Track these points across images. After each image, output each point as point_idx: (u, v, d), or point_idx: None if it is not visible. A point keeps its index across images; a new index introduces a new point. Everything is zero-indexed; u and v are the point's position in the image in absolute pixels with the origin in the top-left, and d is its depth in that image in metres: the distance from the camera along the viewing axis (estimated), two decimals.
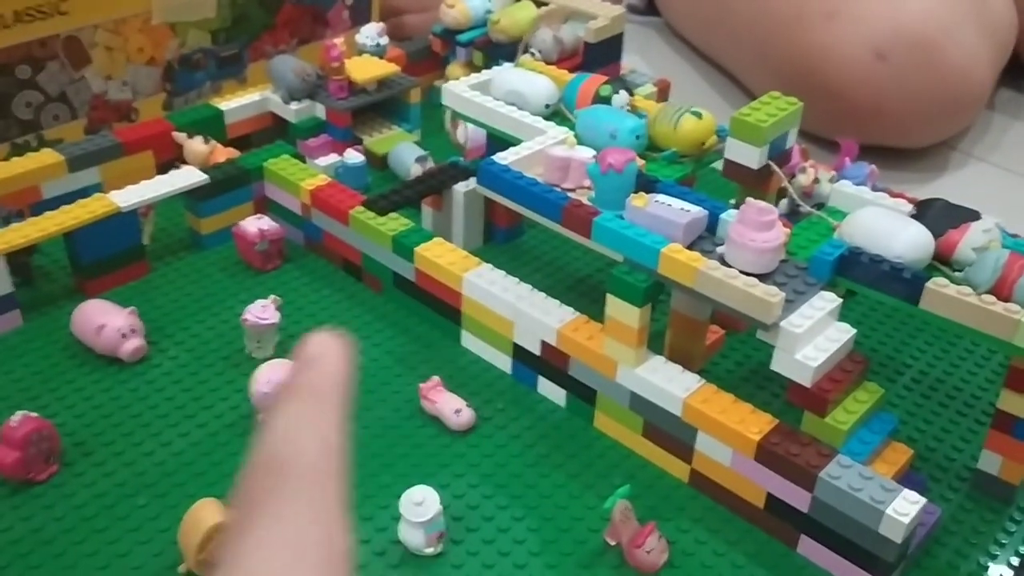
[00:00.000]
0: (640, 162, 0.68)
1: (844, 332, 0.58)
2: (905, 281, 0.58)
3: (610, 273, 0.61)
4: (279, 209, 0.84)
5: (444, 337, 0.74)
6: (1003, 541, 0.60)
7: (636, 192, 0.65)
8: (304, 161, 0.87)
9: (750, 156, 0.66)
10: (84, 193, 0.79)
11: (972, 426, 0.68)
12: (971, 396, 0.71)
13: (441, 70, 1.04)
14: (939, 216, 0.61)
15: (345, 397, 0.28)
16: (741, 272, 0.58)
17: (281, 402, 0.28)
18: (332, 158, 0.90)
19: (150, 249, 0.81)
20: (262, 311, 0.70)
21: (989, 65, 1.02)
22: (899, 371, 0.74)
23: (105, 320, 0.69)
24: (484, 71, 0.85)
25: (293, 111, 0.92)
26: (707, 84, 1.23)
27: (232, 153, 0.86)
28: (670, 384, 0.61)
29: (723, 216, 0.63)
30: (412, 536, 0.56)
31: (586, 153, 0.69)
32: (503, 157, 0.71)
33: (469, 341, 0.73)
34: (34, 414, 0.61)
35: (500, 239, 0.85)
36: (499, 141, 0.78)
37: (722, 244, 0.61)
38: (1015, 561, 0.58)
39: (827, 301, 0.58)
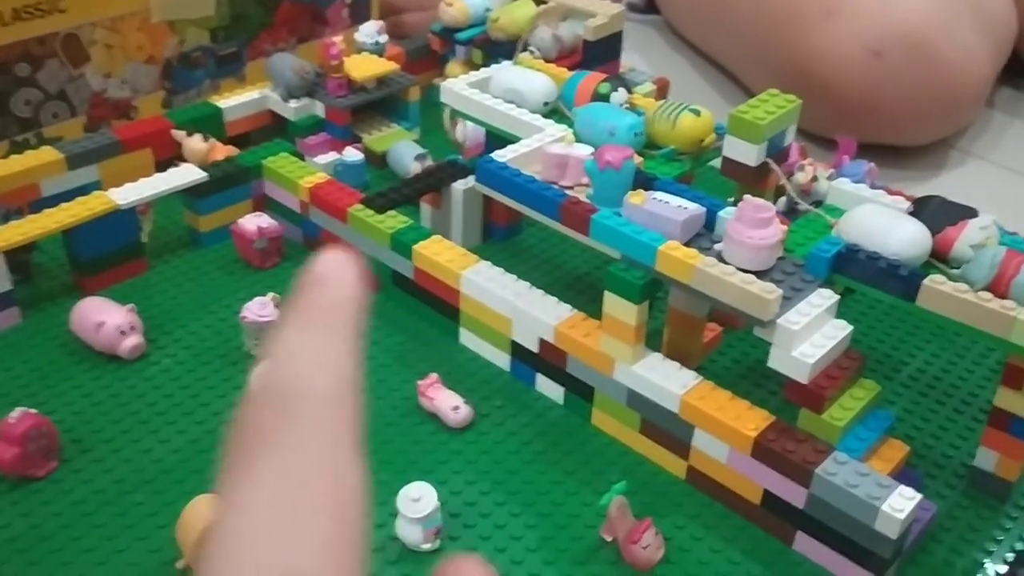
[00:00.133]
0: (638, 159, 0.68)
1: (841, 329, 0.58)
2: (902, 278, 0.58)
3: (607, 270, 0.61)
4: (278, 207, 0.84)
5: (442, 334, 0.74)
6: (999, 538, 0.60)
7: (634, 189, 0.65)
8: (303, 159, 0.87)
9: (748, 153, 0.66)
10: (83, 191, 0.79)
11: (969, 423, 0.69)
12: (968, 393, 0.71)
13: (440, 68, 1.04)
14: (936, 213, 0.61)
15: (357, 321, 0.25)
16: (738, 269, 0.58)
17: (285, 327, 0.24)
18: (331, 156, 0.90)
19: (149, 247, 0.81)
20: (261, 309, 0.70)
21: (987, 63, 1.02)
22: (897, 368, 0.74)
23: (104, 317, 0.69)
24: (483, 69, 0.85)
25: (292, 109, 0.92)
26: (706, 82, 1.23)
27: (231, 151, 0.86)
28: (667, 381, 0.61)
29: (721, 213, 0.63)
30: (409, 532, 0.56)
31: (584, 150, 0.69)
32: (501, 155, 0.71)
33: (467, 338, 0.73)
34: (33, 411, 0.61)
35: (499, 237, 0.85)
36: (497, 139, 0.78)
37: (720, 241, 0.61)
38: (1010, 557, 0.59)
39: (824, 298, 0.59)
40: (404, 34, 1.15)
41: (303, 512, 0.21)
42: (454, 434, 0.65)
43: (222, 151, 0.85)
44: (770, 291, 0.56)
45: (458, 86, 0.81)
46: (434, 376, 0.67)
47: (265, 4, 1.02)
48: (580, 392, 0.66)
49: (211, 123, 0.89)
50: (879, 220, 0.61)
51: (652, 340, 0.64)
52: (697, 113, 0.72)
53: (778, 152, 0.68)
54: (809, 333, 0.57)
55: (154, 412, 0.66)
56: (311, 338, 0.24)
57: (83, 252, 0.76)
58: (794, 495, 0.57)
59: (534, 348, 0.68)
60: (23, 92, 0.87)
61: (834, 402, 0.58)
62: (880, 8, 0.98)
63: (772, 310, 0.56)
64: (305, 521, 0.21)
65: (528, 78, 0.80)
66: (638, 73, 1.01)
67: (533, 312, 0.67)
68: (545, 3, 0.98)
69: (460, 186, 0.80)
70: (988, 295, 0.55)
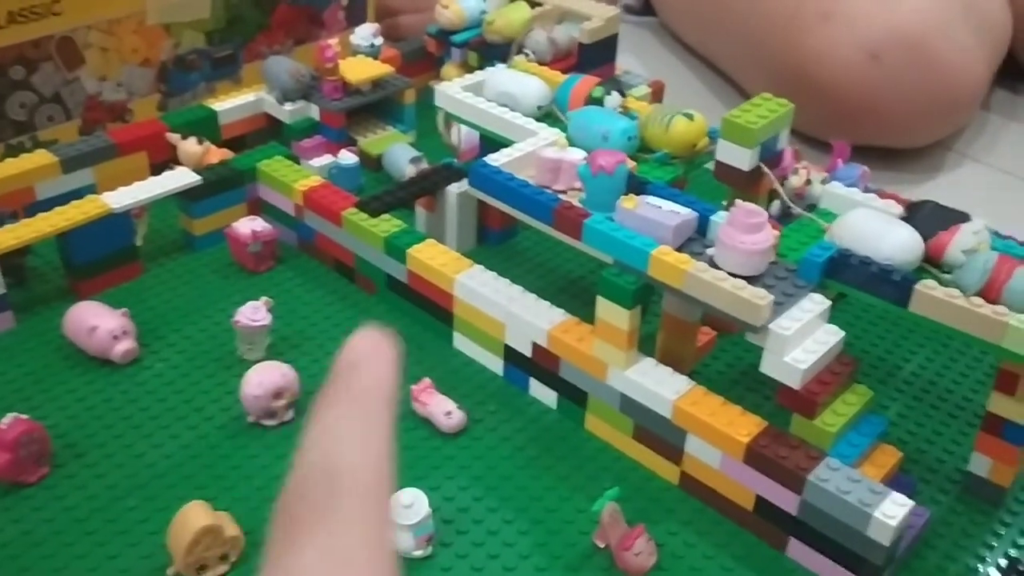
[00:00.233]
0: (631, 164, 0.68)
1: (833, 335, 0.58)
2: (894, 283, 0.58)
3: (601, 275, 0.61)
4: (272, 210, 0.84)
5: (436, 339, 0.74)
6: (992, 543, 0.60)
7: (627, 194, 0.65)
8: (298, 162, 0.87)
9: (741, 158, 0.66)
10: (78, 194, 0.79)
11: (963, 428, 0.68)
12: (962, 398, 0.71)
13: (436, 71, 1.04)
14: (929, 218, 0.61)
15: (392, 404, 0.26)
16: (730, 274, 0.58)
17: (323, 410, 0.25)
18: (326, 159, 0.90)
19: (143, 250, 0.81)
20: (253, 313, 0.70)
21: (983, 65, 1.02)
22: (891, 373, 0.74)
23: (97, 322, 0.69)
24: (478, 72, 0.85)
25: (287, 112, 0.92)
26: (702, 84, 1.22)
27: (226, 154, 0.86)
28: (660, 386, 0.61)
29: (713, 218, 0.63)
30: (401, 539, 0.56)
31: (577, 155, 0.69)
32: (495, 159, 0.71)
33: (461, 343, 0.73)
34: (24, 416, 0.61)
35: (493, 241, 0.85)
36: (491, 142, 0.78)
37: (712, 246, 0.61)
38: (1003, 563, 0.59)
39: (816, 303, 0.58)
40: (400, 37, 1.15)
41: None
42: (447, 439, 0.65)
43: (217, 154, 0.85)
44: (761, 296, 0.56)
45: (452, 89, 0.81)
46: (427, 381, 0.67)
47: (261, 7, 1.02)
48: (573, 397, 0.66)
49: (206, 126, 0.89)
50: (871, 225, 0.60)
51: (645, 345, 0.64)
52: (690, 117, 0.72)
53: (771, 156, 0.68)
54: (801, 338, 0.57)
55: (147, 417, 0.66)
56: (351, 420, 0.25)
57: (77, 256, 0.76)
58: (787, 501, 0.56)
59: (527, 353, 0.68)
60: (18, 95, 0.87)
61: (827, 407, 0.58)
62: (877, 10, 0.98)
63: (764, 315, 0.56)
64: None
65: (522, 81, 0.80)
66: (633, 76, 1.01)
67: (526, 316, 0.67)
68: (540, 6, 0.98)
69: (455, 190, 0.80)
70: (980, 300, 0.55)
